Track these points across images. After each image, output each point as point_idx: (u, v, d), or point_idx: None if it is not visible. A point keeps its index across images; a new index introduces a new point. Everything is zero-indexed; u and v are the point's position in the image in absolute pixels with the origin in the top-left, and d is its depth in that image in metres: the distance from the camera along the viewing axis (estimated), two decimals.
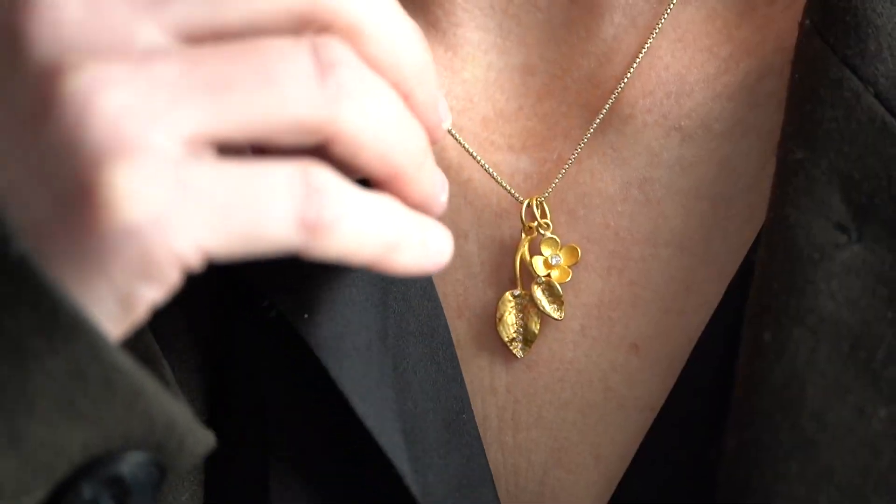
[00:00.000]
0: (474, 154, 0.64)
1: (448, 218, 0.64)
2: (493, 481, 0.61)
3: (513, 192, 0.63)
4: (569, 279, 0.62)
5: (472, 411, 0.62)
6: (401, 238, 0.50)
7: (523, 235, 0.63)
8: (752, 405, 0.54)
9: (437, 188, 0.54)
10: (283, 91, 0.47)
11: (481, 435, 0.62)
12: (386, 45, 0.50)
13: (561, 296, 0.62)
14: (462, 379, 0.62)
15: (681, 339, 0.61)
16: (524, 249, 0.63)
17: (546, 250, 0.63)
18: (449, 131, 0.64)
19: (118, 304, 0.46)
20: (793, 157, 0.56)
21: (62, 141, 0.45)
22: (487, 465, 0.61)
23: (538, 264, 0.63)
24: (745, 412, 0.54)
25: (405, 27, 0.51)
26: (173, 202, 0.45)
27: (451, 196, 0.64)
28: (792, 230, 0.55)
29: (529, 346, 0.62)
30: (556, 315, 0.62)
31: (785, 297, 0.54)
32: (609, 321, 0.62)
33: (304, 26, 0.48)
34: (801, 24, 0.59)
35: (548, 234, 0.63)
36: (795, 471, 0.53)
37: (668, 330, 0.61)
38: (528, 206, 0.63)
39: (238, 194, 0.46)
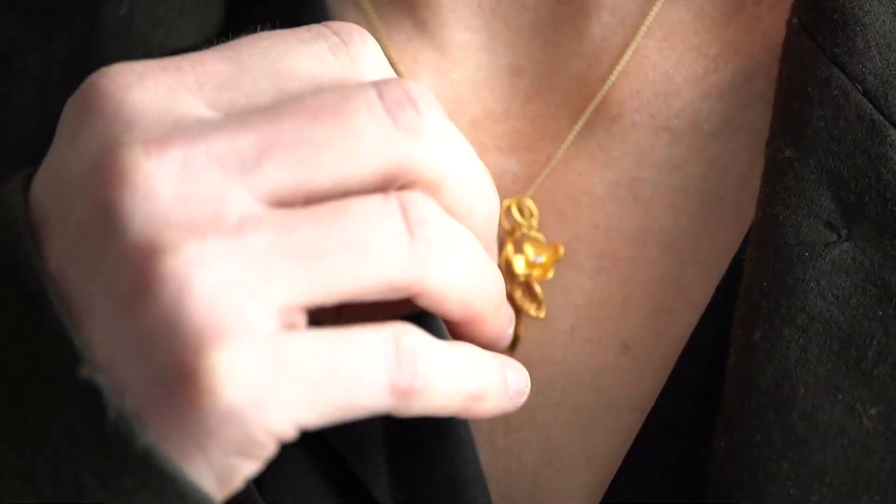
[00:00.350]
0: None
1: None
2: (486, 485, 0.61)
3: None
4: (551, 277, 0.62)
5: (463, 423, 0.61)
6: (486, 388, 0.52)
7: (505, 237, 0.63)
8: (742, 405, 0.54)
9: (508, 324, 0.56)
10: (375, 255, 0.47)
11: (472, 437, 0.62)
12: (466, 194, 0.52)
13: (540, 295, 0.62)
14: None
15: (671, 338, 0.61)
16: (507, 250, 0.63)
17: (528, 249, 0.63)
18: None
19: (215, 478, 0.47)
20: (782, 156, 0.56)
21: (161, 323, 0.45)
22: (480, 468, 0.61)
23: (519, 263, 0.63)
24: (736, 412, 0.54)
25: (482, 175, 0.53)
26: (272, 382, 0.45)
27: None
28: (781, 229, 0.55)
29: (514, 348, 0.62)
30: (535, 314, 0.62)
31: (775, 295, 0.54)
32: (599, 321, 0.62)
33: (390, 183, 0.49)
34: (789, 23, 0.59)
35: (531, 233, 0.63)
36: (787, 470, 0.52)
37: (659, 330, 0.61)
38: (509, 207, 0.63)
39: (333, 367, 0.47)
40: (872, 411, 0.53)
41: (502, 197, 0.64)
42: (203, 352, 0.45)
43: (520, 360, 0.62)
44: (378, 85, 0.50)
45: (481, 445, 0.62)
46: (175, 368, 0.45)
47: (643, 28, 0.63)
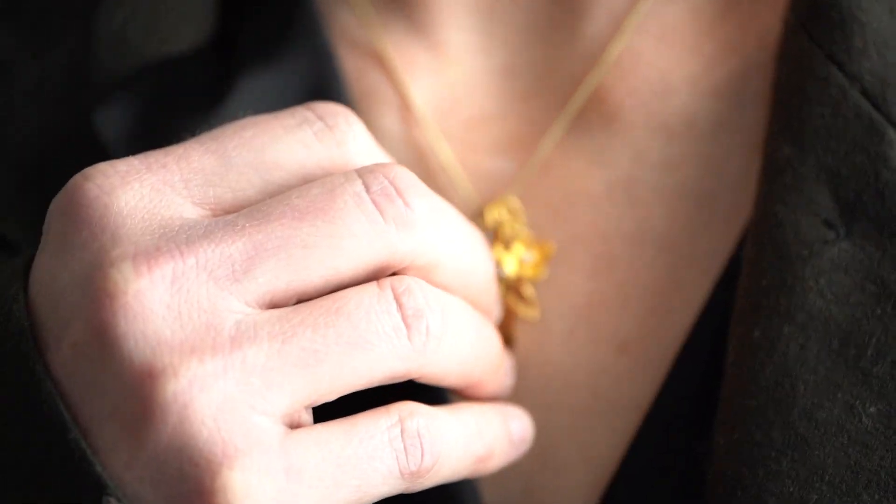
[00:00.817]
0: (452, 158, 0.64)
1: None
2: (475, 488, 0.61)
3: (479, 195, 0.63)
4: (546, 277, 0.62)
5: None
6: (492, 448, 0.54)
7: (494, 238, 0.63)
8: (742, 403, 0.53)
9: (508, 378, 0.58)
10: (374, 353, 0.48)
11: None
12: (460, 268, 0.53)
13: (533, 296, 0.62)
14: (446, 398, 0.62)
15: (669, 338, 0.60)
16: (497, 251, 0.63)
17: (520, 250, 0.63)
18: (432, 132, 0.64)
19: None
20: (780, 154, 0.56)
21: (168, 447, 0.45)
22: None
23: (509, 264, 0.62)
24: (736, 410, 0.54)
25: (474, 245, 0.54)
26: (286, 490, 0.46)
27: None
28: (780, 227, 0.55)
29: (510, 349, 0.62)
30: (529, 314, 0.62)
31: (774, 294, 0.54)
32: (596, 322, 0.62)
33: (383, 271, 0.50)
34: (786, 21, 0.59)
35: (522, 233, 0.63)
36: (787, 468, 0.52)
37: (656, 330, 0.61)
38: (499, 208, 0.63)
39: (343, 466, 0.47)
40: (872, 409, 0.53)
41: (497, 197, 0.63)
42: (215, 473, 0.45)
43: (516, 362, 0.62)
44: (364, 175, 0.50)
45: None
46: (189, 492, 0.45)
47: (635, 25, 0.63)
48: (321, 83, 0.64)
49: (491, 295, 0.56)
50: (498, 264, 0.62)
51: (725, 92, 0.62)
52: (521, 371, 0.62)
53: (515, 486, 0.61)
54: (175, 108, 0.63)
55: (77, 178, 0.49)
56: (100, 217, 0.48)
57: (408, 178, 0.50)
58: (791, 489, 0.52)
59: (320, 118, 0.52)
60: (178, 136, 0.61)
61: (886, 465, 0.52)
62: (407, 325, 0.49)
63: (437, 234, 0.51)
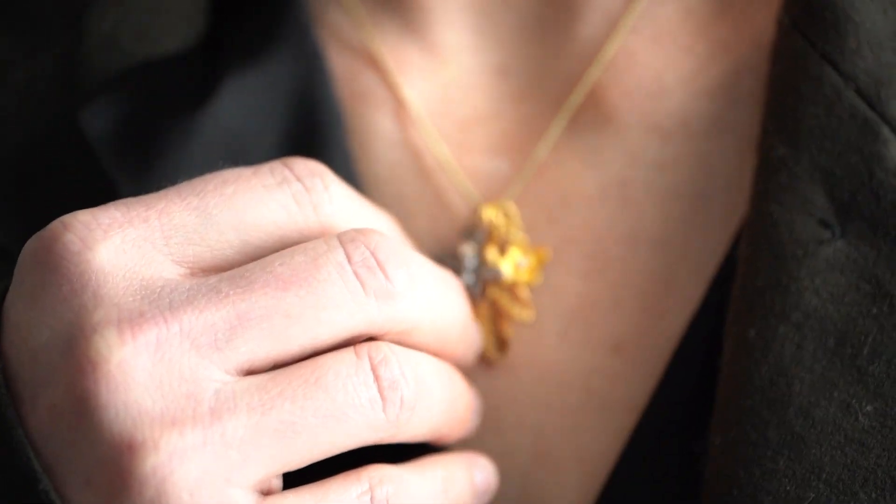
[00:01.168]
0: (448, 159, 0.64)
1: (425, 224, 0.64)
2: None
3: (474, 196, 0.63)
4: (540, 281, 0.62)
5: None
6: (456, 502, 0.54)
7: (488, 240, 0.63)
8: (738, 402, 0.53)
9: (474, 422, 0.58)
10: (349, 424, 0.49)
11: (461, 441, 0.62)
12: (439, 331, 0.54)
13: (528, 298, 0.62)
14: None
15: (662, 338, 0.61)
16: (492, 254, 0.63)
17: (515, 253, 0.63)
18: (427, 133, 0.64)
19: None
20: (775, 154, 0.56)
21: None
22: None
23: (506, 267, 0.62)
24: (732, 409, 0.54)
25: (451, 301, 0.55)
26: None
27: (429, 202, 0.64)
28: (775, 226, 0.55)
29: (504, 353, 0.62)
30: (524, 317, 0.62)
31: (769, 293, 0.54)
32: (589, 322, 0.62)
33: (360, 337, 0.50)
34: (780, 21, 0.59)
35: (517, 236, 0.63)
36: (783, 467, 0.52)
37: (650, 330, 0.61)
38: (493, 210, 0.63)
39: None
40: (868, 408, 0.53)
41: (492, 198, 0.63)
42: None
43: (509, 363, 0.62)
44: (346, 244, 0.50)
45: (471, 448, 0.62)
46: None
47: (629, 26, 0.63)
48: (310, 85, 0.64)
49: (467, 340, 0.57)
50: (493, 266, 0.62)
51: (719, 92, 0.62)
52: (516, 372, 0.62)
53: (512, 485, 0.61)
54: (161, 108, 0.63)
55: (56, 226, 0.49)
56: (80, 273, 0.47)
57: (388, 248, 0.51)
58: (788, 488, 0.52)
59: (298, 179, 0.52)
60: (163, 137, 0.61)
61: (883, 464, 0.52)
62: (383, 398, 0.50)
63: (414, 303, 0.51)
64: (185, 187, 0.51)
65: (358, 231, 0.51)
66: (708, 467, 0.54)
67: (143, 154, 0.61)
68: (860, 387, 0.53)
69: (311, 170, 0.52)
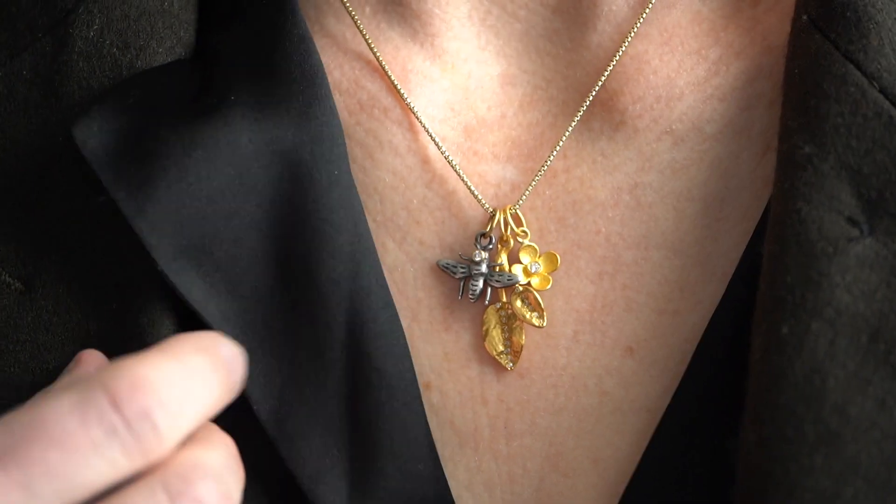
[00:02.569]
0: (456, 166, 0.63)
1: (433, 231, 0.63)
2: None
3: (483, 202, 0.63)
4: (549, 286, 0.62)
5: (433, 457, 0.61)
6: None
7: (499, 246, 0.63)
8: (772, 399, 0.53)
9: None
10: None
11: (473, 446, 0.61)
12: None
13: (541, 304, 0.61)
14: (424, 423, 0.61)
15: (676, 340, 0.60)
16: (502, 259, 0.62)
17: (525, 258, 0.62)
18: (434, 141, 0.63)
19: None
20: (800, 152, 0.56)
21: None
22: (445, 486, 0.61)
23: (517, 273, 0.62)
24: (766, 406, 0.53)
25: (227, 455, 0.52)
26: None
27: (436, 209, 0.63)
28: (803, 224, 0.55)
29: (518, 358, 0.61)
30: (537, 323, 0.61)
31: (800, 290, 0.54)
32: (602, 326, 0.61)
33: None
34: (796, 20, 0.60)
35: (526, 242, 0.62)
36: (820, 464, 0.52)
37: (663, 332, 0.61)
38: (503, 216, 0.62)
39: None
40: None
41: (499, 205, 0.63)
42: None
43: (522, 368, 0.62)
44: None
45: (482, 454, 0.61)
46: None
47: (638, 32, 0.63)
48: (312, 99, 0.63)
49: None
50: (505, 272, 0.62)
51: (731, 95, 0.62)
52: (529, 376, 0.62)
53: (527, 488, 0.61)
54: (158, 122, 0.61)
55: None
56: None
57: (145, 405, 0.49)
58: (825, 484, 0.52)
59: (128, 425, 0.48)
60: (164, 151, 0.59)
61: None
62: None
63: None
64: (6, 460, 0.48)
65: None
66: (740, 465, 0.54)
67: (143, 169, 0.59)
68: (895, 383, 0.53)
69: (140, 409, 0.49)
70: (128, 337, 0.59)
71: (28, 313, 0.59)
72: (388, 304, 0.61)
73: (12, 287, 0.60)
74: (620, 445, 0.60)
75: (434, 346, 0.62)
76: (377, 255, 0.62)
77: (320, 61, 0.64)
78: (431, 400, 0.62)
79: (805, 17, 0.59)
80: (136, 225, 0.58)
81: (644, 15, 0.63)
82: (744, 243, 0.60)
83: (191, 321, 0.59)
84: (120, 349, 0.57)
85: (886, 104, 0.56)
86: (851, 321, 0.54)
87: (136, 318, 0.59)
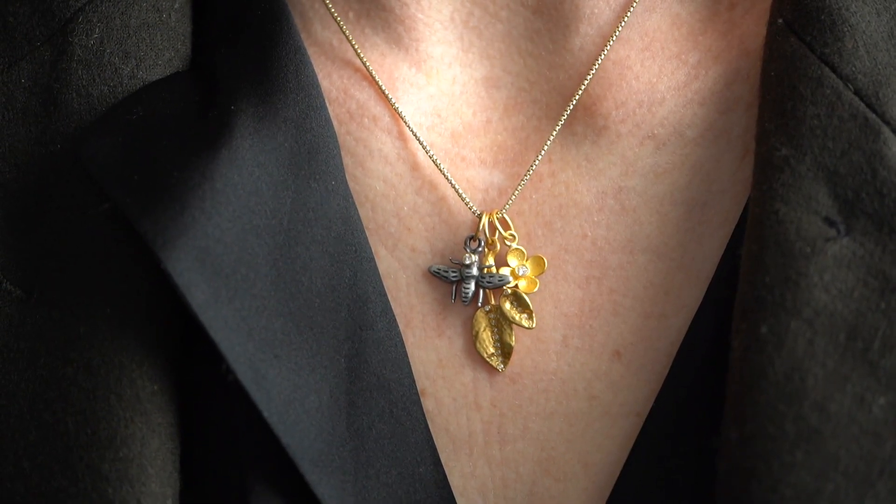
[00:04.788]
0: (445, 172, 0.64)
1: (424, 237, 0.64)
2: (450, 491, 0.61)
3: (472, 207, 0.64)
4: (538, 289, 0.62)
5: (435, 461, 0.61)
6: None
7: (486, 250, 0.64)
8: (753, 397, 0.54)
9: None
10: None
11: (468, 451, 0.62)
12: None
13: (529, 305, 0.62)
14: (424, 427, 0.61)
15: (662, 343, 0.61)
16: (490, 262, 0.63)
17: (512, 261, 0.63)
18: (423, 148, 0.64)
19: None
20: (777, 154, 0.57)
21: None
22: (446, 483, 0.61)
23: (507, 276, 0.63)
24: (747, 405, 0.54)
25: None
26: None
27: (426, 215, 0.64)
28: (782, 225, 0.56)
29: (508, 359, 0.62)
30: (526, 324, 0.62)
31: (780, 290, 0.55)
32: (590, 330, 0.62)
33: None
34: (771, 24, 0.60)
35: (514, 245, 0.63)
36: (801, 460, 0.53)
37: (650, 335, 0.61)
38: (490, 220, 0.63)
39: None
40: (881, 400, 0.54)
41: (488, 210, 0.64)
42: None
43: (513, 372, 0.62)
44: None
45: (476, 459, 0.62)
46: None
47: (619, 37, 0.64)
48: (308, 110, 0.63)
49: None
50: (495, 274, 0.63)
51: (711, 99, 0.63)
52: (520, 380, 0.62)
53: (520, 493, 0.61)
54: (163, 137, 0.62)
55: None
56: None
57: None
58: (807, 480, 0.53)
59: None
60: (169, 166, 0.60)
61: None
62: None
63: None
64: None
65: None
66: (722, 463, 0.55)
67: (150, 182, 0.60)
68: (872, 380, 0.54)
69: None
70: (124, 345, 0.59)
71: (28, 321, 0.60)
72: (387, 311, 0.62)
73: (13, 295, 0.61)
74: (610, 449, 0.61)
75: (428, 353, 0.63)
76: (375, 263, 0.63)
77: (314, 72, 0.65)
78: (427, 406, 0.62)
79: (780, 21, 0.60)
80: (143, 232, 0.58)
81: (626, 19, 0.64)
82: (724, 245, 0.61)
83: (189, 328, 0.60)
84: (117, 357, 0.58)
85: (861, 106, 0.57)
86: (830, 320, 0.54)
87: (134, 325, 0.60)
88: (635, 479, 0.60)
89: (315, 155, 0.62)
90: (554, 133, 0.64)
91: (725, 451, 0.55)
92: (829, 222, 0.56)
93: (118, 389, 0.58)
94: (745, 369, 0.55)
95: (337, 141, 0.64)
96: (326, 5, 0.67)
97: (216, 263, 0.58)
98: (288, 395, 0.58)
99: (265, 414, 0.57)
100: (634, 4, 0.64)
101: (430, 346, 0.63)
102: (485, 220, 0.63)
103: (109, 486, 0.57)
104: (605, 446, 0.61)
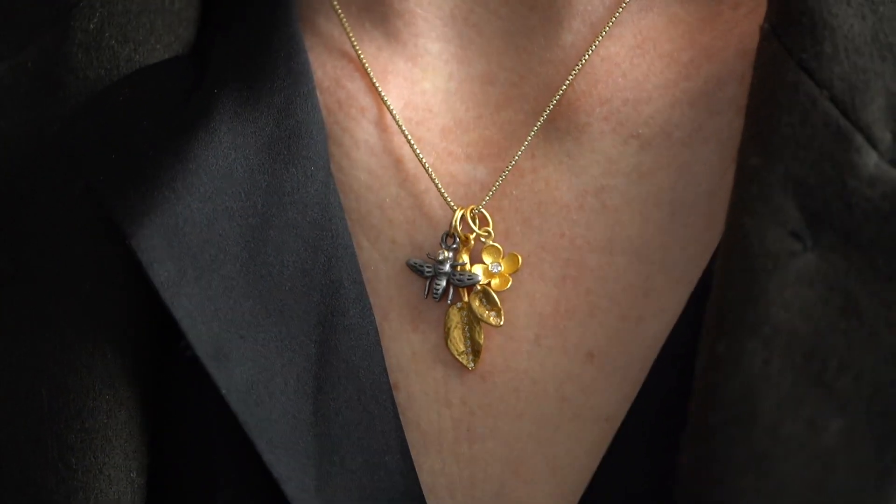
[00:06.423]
0: (426, 165, 0.63)
1: (405, 230, 0.63)
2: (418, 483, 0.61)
3: (450, 202, 0.63)
4: (511, 286, 0.61)
5: (403, 451, 0.61)
6: None
7: (460, 246, 0.63)
8: (707, 419, 0.52)
9: None
10: None
11: (438, 448, 0.61)
12: None
13: (498, 303, 0.61)
14: (394, 416, 0.61)
15: (638, 347, 0.60)
16: (464, 259, 0.62)
17: (487, 259, 0.62)
18: (408, 141, 0.63)
19: None
20: (749, 164, 0.55)
21: None
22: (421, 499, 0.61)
23: (478, 273, 0.62)
24: (700, 426, 0.53)
25: None
26: None
27: (408, 208, 0.64)
28: (747, 238, 0.54)
29: (478, 357, 0.61)
30: (494, 322, 0.61)
31: (739, 307, 0.53)
32: (564, 330, 0.61)
33: None
34: (761, 28, 0.58)
35: (489, 242, 0.62)
36: (749, 486, 0.51)
37: (625, 338, 0.60)
38: (464, 216, 0.62)
39: None
40: (834, 426, 0.52)
41: (468, 205, 0.63)
42: None
43: (484, 370, 0.62)
44: None
45: (445, 456, 0.61)
46: None
47: (611, 34, 0.62)
48: (295, 97, 0.63)
49: None
50: (465, 271, 0.62)
51: (700, 99, 0.61)
52: (491, 378, 0.61)
53: (485, 494, 0.61)
54: (144, 119, 0.63)
55: None
56: None
57: None
58: None
59: None
60: (152, 152, 0.61)
61: (851, 482, 0.51)
62: None
63: None
64: None
65: None
66: (676, 485, 0.53)
67: (127, 164, 0.61)
68: (827, 403, 0.52)
69: None
70: (97, 322, 0.60)
71: (12, 298, 0.62)
72: (360, 299, 0.62)
73: (3, 272, 0.62)
74: (579, 454, 0.60)
75: (402, 346, 0.63)
76: (354, 250, 0.62)
77: (307, 59, 0.65)
78: (399, 400, 0.62)
79: (767, 24, 0.57)
80: (111, 210, 0.59)
81: (616, 15, 0.62)
82: (710, 251, 0.59)
83: (161, 308, 0.60)
84: (90, 333, 0.60)
85: (835, 113, 0.54)
86: (787, 339, 0.52)
87: (108, 302, 0.61)
88: (605, 487, 0.58)
89: (296, 140, 0.62)
90: (535, 128, 0.62)
91: (680, 473, 0.53)
92: (796, 236, 0.54)
93: (90, 363, 0.60)
94: (701, 389, 0.53)
95: (323, 129, 0.63)
96: None
97: (184, 243, 0.59)
98: (252, 375, 0.59)
99: (223, 391, 0.58)
100: (626, 2, 0.62)
101: (404, 340, 0.63)
102: (457, 215, 0.62)
103: (73, 455, 0.59)
104: (573, 450, 0.60)
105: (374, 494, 0.60)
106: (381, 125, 0.65)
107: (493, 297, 0.61)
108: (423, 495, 0.61)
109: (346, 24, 0.66)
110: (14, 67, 0.65)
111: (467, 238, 0.62)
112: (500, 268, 0.62)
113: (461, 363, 0.61)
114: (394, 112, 0.64)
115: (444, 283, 0.62)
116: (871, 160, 0.54)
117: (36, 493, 0.59)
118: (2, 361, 0.61)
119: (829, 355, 0.52)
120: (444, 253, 0.62)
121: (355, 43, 0.65)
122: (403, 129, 0.64)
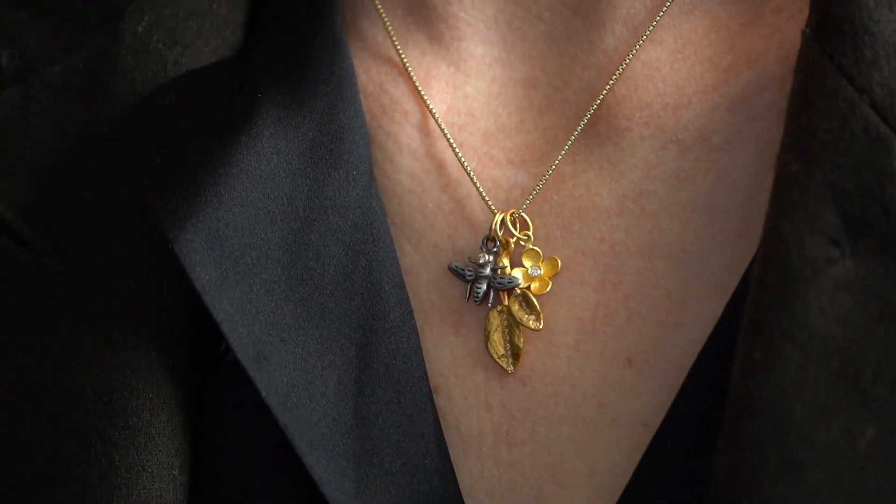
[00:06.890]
0: (468, 170, 0.63)
1: (446, 235, 0.64)
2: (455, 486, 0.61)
3: (492, 206, 0.63)
4: (550, 290, 0.61)
5: (443, 453, 0.61)
6: None
7: (501, 250, 0.63)
8: (742, 425, 0.52)
9: None
10: None
11: (477, 451, 0.61)
12: None
13: (537, 307, 0.61)
14: (434, 419, 0.61)
15: (675, 353, 0.59)
16: (504, 262, 0.63)
17: (526, 262, 0.62)
18: (450, 146, 0.64)
19: None
20: (788, 170, 0.55)
21: None
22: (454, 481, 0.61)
23: (517, 276, 0.62)
24: (737, 432, 0.52)
25: None
26: None
27: (450, 213, 0.64)
28: (785, 244, 0.54)
29: (518, 361, 0.61)
30: (533, 325, 0.61)
31: (776, 313, 0.53)
32: (603, 335, 0.61)
33: None
34: (803, 34, 0.58)
35: (529, 245, 0.62)
36: (782, 493, 0.51)
37: (663, 344, 0.60)
38: (504, 220, 0.62)
39: None
40: (869, 433, 0.51)
41: (510, 209, 0.63)
42: None
43: (524, 375, 0.62)
44: None
45: (485, 460, 0.61)
46: None
47: (653, 38, 0.62)
48: (339, 101, 0.64)
49: None
50: (505, 275, 0.62)
51: (740, 104, 0.61)
52: (530, 383, 0.61)
53: (525, 497, 0.61)
54: (189, 122, 0.64)
55: None
56: None
57: None
58: None
59: None
60: (196, 156, 0.62)
61: (885, 490, 0.51)
62: None
63: None
64: None
65: None
66: (711, 491, 0.53)
67: (171, 167, 0.62)
68: (862, 410, 0.51)
69: None
70: (142, 320, 0.61)
71: (60, 294, 0.62)
72: (402, 303, 0.62)
73: (52, 270, 0.63)
74: (617, 459, 0.60)
75: (443, 350, 0.63)
76: (396, 254, 0.63)
77: (352, 64, 0.65)
78: (439, 403, 0.62)
79: (808, 30, 0.57)
80: (155, 212, 0.60)
81: (657, 20, 0.62)
82: (748, 257, 0.59)
83: (203, 311, 0.61)
84: (134, 331, 0.61)
85: (876, 119, 0.54)
86: (824, 346, 0.52)
87: (153, 302, 0.61)
88: (641, 491, 0.58)
89: (339, 145, 0.63)
90: (576, 133, 0.62)
91: (715, 479, 0.53)
92: (834, 242, 0.53)
93: (134, 361, 0.60)
94: (736, 395, 0.53)
95: (366, 133, 0.64)
96: (374, 1, 0.67)
97: (226, 246, 0.59)
98: (292, 378, 0.59)
99: (263, 394, 0.58)
100: (668, 5, 0.62)
101: (445, 344, 0.63)
102: (498, 218, 0.62)
103: (117, 452, 0.60)
104: (611, 455, 0.60)
105: (413, 497, 0.60)
106: (423, 129, 0.65)
107: (533, 301, 0.62)
108: (461, 498, 0.61)
109: (390, 29, 0.66)
110: (66, 69, 0.66)
111: (507, 242, 0.62)
112: (539, 271, 0.62)
113: (501, 366, 0.61)
114: (437, 116, 0.64)
115: (484, 286, 0.62)
116: None
117: (79, 488, 0.59)
118: (48, 358, 0.62)
119: (865, 362, 0.52)
120: (484, 256, 0.62)
121: (399, 47, 0.66)
122: (446, 133, 0.64)
